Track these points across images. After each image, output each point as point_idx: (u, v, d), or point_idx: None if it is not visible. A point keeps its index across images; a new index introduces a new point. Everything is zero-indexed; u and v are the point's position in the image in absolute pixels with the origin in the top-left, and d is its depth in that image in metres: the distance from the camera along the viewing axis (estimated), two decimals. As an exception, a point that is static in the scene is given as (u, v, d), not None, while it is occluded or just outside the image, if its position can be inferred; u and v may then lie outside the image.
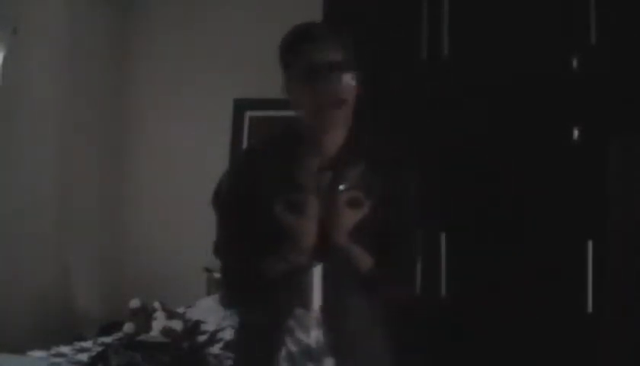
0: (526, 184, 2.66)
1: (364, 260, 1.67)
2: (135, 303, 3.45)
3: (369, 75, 1.74)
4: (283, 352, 1.69)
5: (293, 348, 1.69)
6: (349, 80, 1.67)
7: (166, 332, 3.21)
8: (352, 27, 2.94)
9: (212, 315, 3.45)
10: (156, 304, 3.38)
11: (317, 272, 1.69)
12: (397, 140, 1.89)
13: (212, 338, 3.27)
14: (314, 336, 1.69)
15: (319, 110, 1.66)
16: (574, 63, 2.58)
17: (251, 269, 1.71)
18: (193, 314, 3.48)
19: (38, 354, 2.98)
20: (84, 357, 2.97)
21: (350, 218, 1.60)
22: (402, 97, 2.87)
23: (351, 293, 1.70)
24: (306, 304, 1.69)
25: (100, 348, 3.07)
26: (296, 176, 1.67)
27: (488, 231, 2.72)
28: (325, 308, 1.69)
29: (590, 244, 2.51)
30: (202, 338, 3.28)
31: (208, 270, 3.94)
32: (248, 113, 4.01)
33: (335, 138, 1.71)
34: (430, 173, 2.81)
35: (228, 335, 3.28)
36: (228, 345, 3.06)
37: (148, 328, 3.27)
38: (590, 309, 2.50)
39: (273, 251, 1.65)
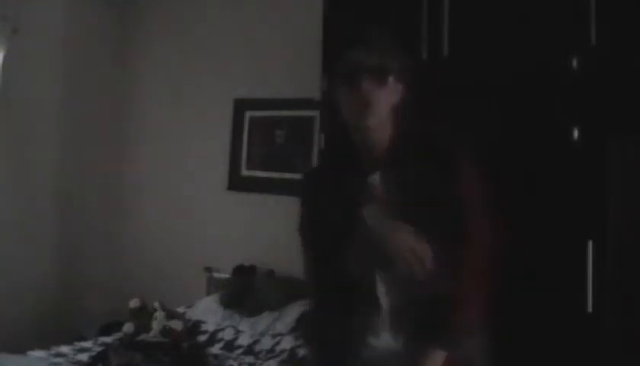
0: (526, 184, 2.66)
1: None
2: (135, 303, 3.45)
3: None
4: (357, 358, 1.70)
5: (366, 354, 1.70)
6: (388, 83, 1.68)
7: (166, 332, 3.21)
8: (352, 27, 2.94)
9: (212, 315, 3.46)
10: (156, 304, 3.38)
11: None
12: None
13: (212, 338, 3.27)
14: (384, 339, 1.70)
15: (356, 114, 1.69)
16: (574, 63, 2.58)
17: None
18: (193, 314, 3.48)
19: (38, 354, 2.99)
20: (84, 357, 2.97)
21: None
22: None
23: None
24: (377, 307, 1.70)
25: (100, 348, 3.07)
26: (349, 189, 1.71)
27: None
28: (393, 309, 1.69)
29: (590, 244, 2.51)
30: (202, 338, 3.28)
31: (208, 270, 3.94)
32: (248, 113, 4.01)
33: (380, 141, 1.73)
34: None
35: (228, 335, 3.28)
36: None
37: (148, 328, 3.26)
38: (590, 309, 2.50)
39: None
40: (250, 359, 3.05)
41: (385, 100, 1.69)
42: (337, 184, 1.74)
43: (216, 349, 3.17)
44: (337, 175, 1.77)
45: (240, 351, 3.15)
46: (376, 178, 1.72)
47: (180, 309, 3.50)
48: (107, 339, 3.27)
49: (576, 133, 2.57)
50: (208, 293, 3.84)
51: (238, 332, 3.29)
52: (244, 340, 3.22)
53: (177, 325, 3.24)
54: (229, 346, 3.20)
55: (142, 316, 3.35)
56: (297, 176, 3.66)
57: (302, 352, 2.95)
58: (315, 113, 3.62)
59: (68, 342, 3.19)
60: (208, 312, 3.49)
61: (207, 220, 4.02)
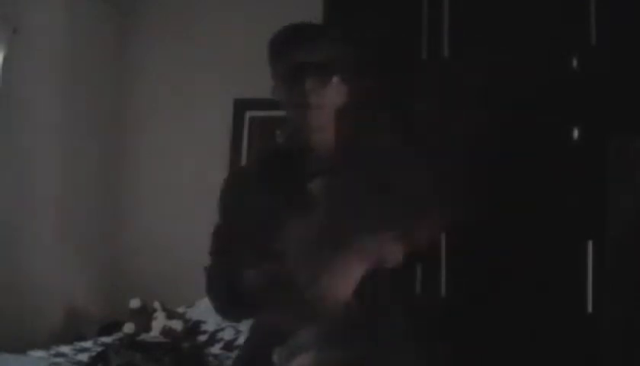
0: (526, 184, 2.66)
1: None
2: (135, 303, 3.45)
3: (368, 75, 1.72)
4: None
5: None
6: (331, 83, 1.61)
7: (166, 332, 3.21)
8: (352, 27, 2.95)
9: (212, 315, 3.44)
10: (156, 304, 3.38)
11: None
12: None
13: (212, 338, 3.27)
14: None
15: (298, 113, 1.64)
16: (574, 63, 2.58)
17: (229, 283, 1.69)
18: (193, 314, 3.48)
19: (38, 354, 2.98)
20: (84, 357, 2.97)
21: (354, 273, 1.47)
22: (402, 97, 2.87)
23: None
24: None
25: (100, 348, 3.07)
26: (284, 189, 1.61)
27: (487, 231, 2.72)
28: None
29: (590, 244, 2.51)
30: (202, 338, 3.28)
31: (208, 270, 3.94)
32: (248, 114, 4.01)
33: (324, 141, 1.65)
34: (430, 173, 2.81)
35: (228, 335, 3.28)
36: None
37: (148, 328, 3.27)
38: (590, 309, 2.50)
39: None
40: (250, 359, 3.05)
41: (329, 100, 1.62)
42: (269, 187, 1.64)
43: (216, 349, 3.17)
44: (269, 178, 1.67)
45: (240, 351, 3.15)
46: (318, 184, 1.61)
47: (180, 309, 3.50)
48: (107, 339, 3.27)
49: (576, 133, 2.57)
50: (208, 293, 3.84)
51: (238, 332, 3.29)
52: (244, 340, 3.22)
53: (177, 325, 3.24)
54: (229, 346, 3.19)
55: (142, 316, 3.35)
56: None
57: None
58: (315, 114, 3.62)
59: (68, 342, 3.19)
60: (208, 312, 3.48)
61: (207, 220, 4.01)
